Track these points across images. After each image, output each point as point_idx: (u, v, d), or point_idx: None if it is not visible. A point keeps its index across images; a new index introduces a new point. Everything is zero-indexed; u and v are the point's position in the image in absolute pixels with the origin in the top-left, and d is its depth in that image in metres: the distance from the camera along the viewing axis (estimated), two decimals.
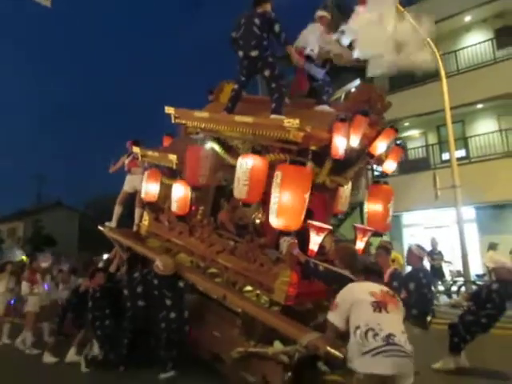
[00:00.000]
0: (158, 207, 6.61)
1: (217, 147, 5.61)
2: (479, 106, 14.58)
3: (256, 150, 4.82)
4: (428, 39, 11.98)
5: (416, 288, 5.05)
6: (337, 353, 3.58)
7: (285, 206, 4.25)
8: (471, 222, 13.71)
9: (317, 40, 5.28)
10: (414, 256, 5.31)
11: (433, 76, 13.56)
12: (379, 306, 3.05)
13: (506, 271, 5.66)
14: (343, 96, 5.59)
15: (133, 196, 7.35)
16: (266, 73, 5.02)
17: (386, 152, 5.58)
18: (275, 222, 4.35)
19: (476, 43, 14.73)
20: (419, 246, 5.42)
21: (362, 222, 5.89)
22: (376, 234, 5.79)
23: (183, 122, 5.74)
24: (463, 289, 11.38)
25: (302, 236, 4.88)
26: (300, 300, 4.73)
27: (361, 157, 5.34)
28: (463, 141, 14.79)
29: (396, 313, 3.12)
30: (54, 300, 7.81)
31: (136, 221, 6.91)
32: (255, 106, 5.54)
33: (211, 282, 5.20)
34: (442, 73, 12.19)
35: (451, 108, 12.07)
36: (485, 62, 14.36)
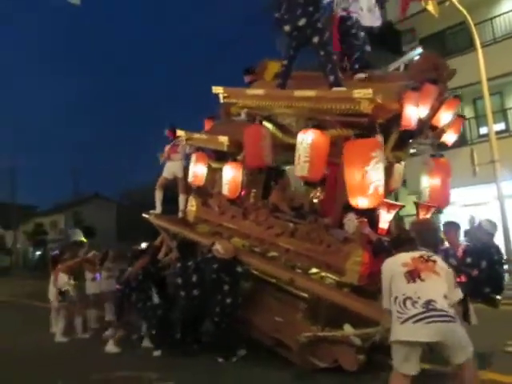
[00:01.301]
0: (205, 192, 6.43)
1: (269, 126, 5.38)
2: None
3: (316, 126, 4.58)
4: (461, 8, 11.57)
5: (488, 265, 4.81)
6: None
7: (367, 183, 4.01)
8: None
9: None
10: (484, 231, 5.06)
11: (467, 47, 13.10)
12: (412, 276, 2.93)
13: None
14: (402, 66, 5.26)
15: (172, 183, 7.19)
16: (315, 39, 4.81)
17: (448, 123, 5.30)
18: (357, 201, 4.11)
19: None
20: (490, 221, 5.15)
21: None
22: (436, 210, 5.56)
23: (233, 101, 5.50)
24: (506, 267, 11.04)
25: (365, 214, 4.67)
26: (371, 280, 4.52)
27: (423, 129, 5.07)
28: (502, 113, 14.14)
29: (432, 278, 2.94)
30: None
31: (181, 207, 6.75)
32: (301, 81, 5.29)
33: (277, 265, 5.02)
34: (477, 42, 11.69)
35: (488, 79, 11.59)
36: None
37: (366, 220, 4.54)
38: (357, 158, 4.06)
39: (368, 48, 5.39)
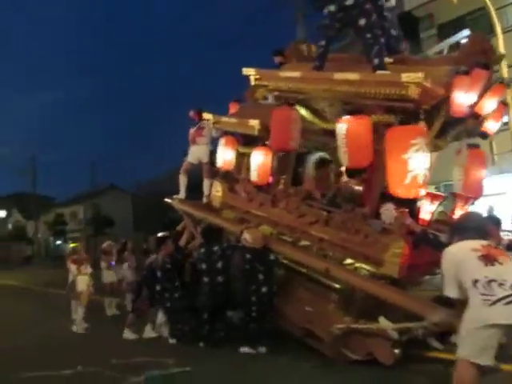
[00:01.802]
0: (231, 177, 6.26)
1: (302, 110, 5.17)
2: None
3: (356, 111, 4.37)
4: None
5: None
6: None
7: (406, 172, 3.83)
8: None
9: None
10: None
11: (487, 33, 12.65)
12: (489, 259, 2.74)
13: None
14: (446, 49, 5.01)
15: (196, 168, 7.02)
16: (362, 22, 4.50)
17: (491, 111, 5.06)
18: (396, 190, 3.93)
19: None
20: None
21: None
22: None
23: (264, 83, 5.28)
24: None
25: (405, 204, 4.49)
26: (410, 272, 4.38)
27: (467, 117, 4.84)
28: None
29: (509, 263, 2.76)
30: (119, 279, 7.76)
31: (206, 192, 6.60)
32: (334, 64, 5.06)
33: (312, 254, 4.87)
34: (498, 28, 11.32)
35: (509, 66, 11.23)
36: None
37: (406, 210, 4.37)
38: (398, 145, 3.87)
39: (394, 32, 5.14)
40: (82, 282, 7.19)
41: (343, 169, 5.37)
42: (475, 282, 2.69)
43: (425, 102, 4.06)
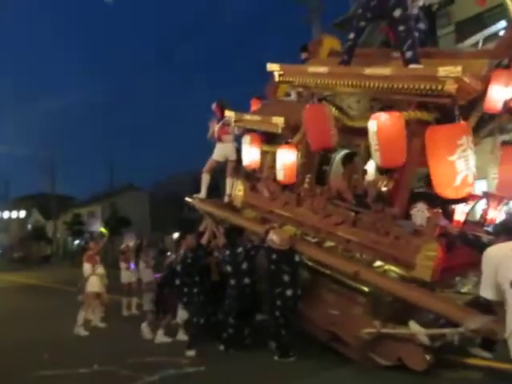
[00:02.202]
0: (254, 176, 6.13)
1: (329, 107, 5.00)
2: None
3: (388, 107, 4.19)
4: None
5: None
6: None
7: (454, 174, 3.66)
8: None
9: None
10: None
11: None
12: None
13: None
14: (481, 42, 4.80)
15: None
16: (397, 13, 4.27)
17: None
18: (445, 193, 3.76)
19: None
20: None
21: None
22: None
23: (289, 79, 5.13)
24: None
25: (438, 205, 4.30)
26: (443, 275, 4.19)
27: (502, 112, 4.62)
28: None
29: None
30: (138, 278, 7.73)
31: (227, 191, 6.48)
32: (363, 59, 4.87)
33: (341, 257, 4.72)
34: None
35: None
36: None
37: (440, 211, 4.19)
38: (443, 146, 3.68)
39: (423, 26, 4.93)
40: (93, 284, 7.17)
41: (369, 167, 5.21)
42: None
43: (462, 98, 3.87)
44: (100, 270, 7.43)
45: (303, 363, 4.73)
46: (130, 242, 8.68)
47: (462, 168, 3.64)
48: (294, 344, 4.95)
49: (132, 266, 7.97)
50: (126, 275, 8.34)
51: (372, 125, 4.12)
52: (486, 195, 5.03)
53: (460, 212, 4.27)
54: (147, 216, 36.04)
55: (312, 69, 4.78)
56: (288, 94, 6.52)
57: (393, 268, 4.52)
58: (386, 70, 4.07)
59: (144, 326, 6.22)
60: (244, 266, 5.30)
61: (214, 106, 6.72)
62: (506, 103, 4.24)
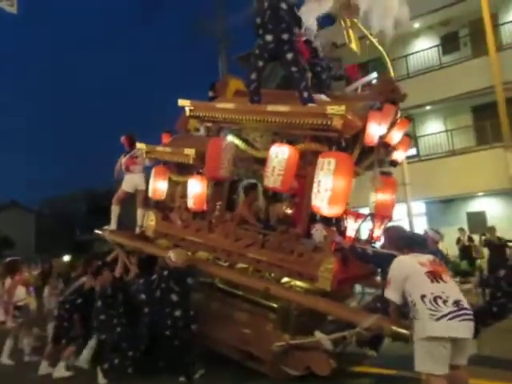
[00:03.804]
0: (165, 206, 6.30)
1: (236, 140, 5.49)
2: (427, 107, 15.68)
3: (289, 141, 4.80)
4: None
5: None
6: (403, 331, 3.72)
7: (337, 193, 4.27)
8: (422, 216, 14.65)
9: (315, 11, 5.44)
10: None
11: None
12: (434, 276, 3.18)
13: None
14: (360, 88, 5.74)
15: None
16: (289, 56, 4.96)
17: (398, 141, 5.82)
18: (326, 209, 4.34)
19: (424, 49, 15.86)
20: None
21: None
22: None
23: (199, 114, 5.54)
24: None
25: (332, 224, 4.94)
26: (340, 285, 4.76)
27: (377, 147, 5.52)
28: (414, 140, 15.74)
29: (451, 281, 3.28)
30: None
31: (139, 222, 6.52)
32: (270, 98, 5.50)
33: (251, 276, 5.06)
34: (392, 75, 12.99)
35: (401, 109, 12.87)
36: (432, 66, 15.47)
37: (334, 229, 4.81)
38: (341, 169, 4.31)
39: (324, 76, 5.79)
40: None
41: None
42: (423, 296, 3.07)
43: (346, 132, 4.62)
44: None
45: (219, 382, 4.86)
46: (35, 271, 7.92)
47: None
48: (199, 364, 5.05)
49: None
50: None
51: (274, 154, 4.67)
52: (372, 215, 5.83)
53: (351, 229, 4.94)
54: (32, 236, 32.42)
55: (220, 105, 5.26)
56: (197, 130, 6.92)
57: (298, 283, 4.98)
58: (285, 108, 4.69)
59: (43, 362, 5.75)
60: (157, 293, 5.36)
61: (122, 138, 6.85)
62: (380, 138, 5.12)
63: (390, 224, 5.82)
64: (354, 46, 6.02)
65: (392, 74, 12.35)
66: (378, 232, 5.72)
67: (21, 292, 6.59)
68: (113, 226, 6.74)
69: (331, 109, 4.32)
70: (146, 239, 6.25)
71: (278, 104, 4.97)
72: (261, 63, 5.21)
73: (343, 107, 4.27)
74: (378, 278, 6.03)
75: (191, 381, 4.97)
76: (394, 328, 3.82)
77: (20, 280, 6.62)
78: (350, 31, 5.84)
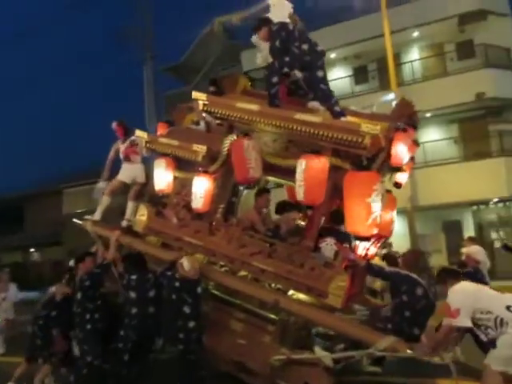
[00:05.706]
0: (159, 201, 5.91)
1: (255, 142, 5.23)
2: None
3: (313, 151, 4.66)
4: None
5: None
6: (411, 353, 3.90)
7: (368, 214, 4.21)
8: None
9: None
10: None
11: None
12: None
13: None
14: (375, 108, 5.76)
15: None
16: (320, 73, 5.00)
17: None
18: (363, 230, 4.28)
19: (339, 77, 17.43)
20: None
21: None
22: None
23: (212, 110, 5.24)
24: None
25: (338, 238, 4.90)
26: (348, 302, 4.74)
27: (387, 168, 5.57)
28: None
29: None
30: None
31: (127, 215, 6.05)
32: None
33: (260, 286, 4.86)
34: None
35: None
36: (346, 94, 16.69)
37: (347, 246, 4.77)
38: (361, 189, 4.25)
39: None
40: None
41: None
42: (509, 307, 3.42)
43: (371, 151, 4.58)
44: None
45: None
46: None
47: (374, 210, 4.26)
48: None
49: None
50: None
51: (299, 164, 4.53)
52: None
53: (362, 247, 4.93)
54: None
55: (242, 104, 5.00)
56: (195, 123, 6.58)
57: (302, 296, 4.88)
58: (316, 118, 4.55)
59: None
60: (151, 293, 5.00)
61: (114, 125, 6.33)
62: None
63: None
64: None
65: None
66: (373, 250, 5.77)
67: None
68: (97, 216, 6.21)
69: (366, 127, 4.26)
70: (135, 234, 5.81)
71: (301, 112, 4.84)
72: (286, 70, 5.02)
73: (378, 127, 4.23)
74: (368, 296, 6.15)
75: None
76: (410, 352, 3.88)
77: None
78: None
